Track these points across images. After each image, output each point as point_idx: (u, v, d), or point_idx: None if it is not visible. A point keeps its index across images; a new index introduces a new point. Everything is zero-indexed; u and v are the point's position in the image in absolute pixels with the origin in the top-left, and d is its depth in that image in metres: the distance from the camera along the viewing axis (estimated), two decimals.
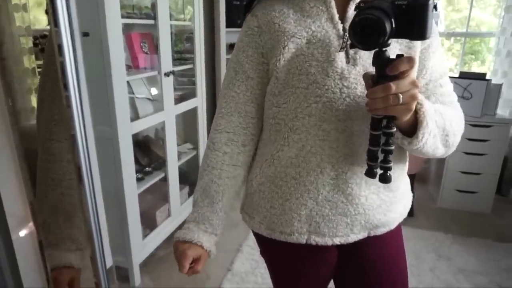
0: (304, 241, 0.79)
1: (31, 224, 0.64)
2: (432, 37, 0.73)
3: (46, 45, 0.83)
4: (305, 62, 0.71)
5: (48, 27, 0.90)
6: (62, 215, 0.82)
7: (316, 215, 0.77)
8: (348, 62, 0.71)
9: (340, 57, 0.71)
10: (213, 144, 0.82)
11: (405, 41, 0.73)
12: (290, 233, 0.79)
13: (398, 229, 0.87)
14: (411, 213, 2.48)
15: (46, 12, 0.93)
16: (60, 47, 0.51)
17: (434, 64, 0.76)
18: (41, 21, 1.42)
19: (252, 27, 0.78)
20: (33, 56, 1.36)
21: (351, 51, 0.71)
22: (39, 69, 1.33)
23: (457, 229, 2.47)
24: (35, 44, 1.40)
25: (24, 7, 1.33)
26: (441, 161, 2.72)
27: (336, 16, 0.72)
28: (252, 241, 2.27)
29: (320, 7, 0.73)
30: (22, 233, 0.60)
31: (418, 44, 0.73)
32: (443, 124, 0.72)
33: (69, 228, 0.83)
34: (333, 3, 0.72)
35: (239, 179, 0.84)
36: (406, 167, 0.84)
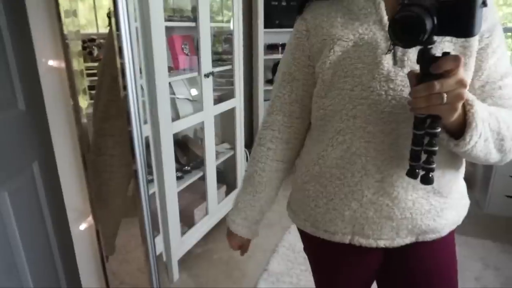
0: (348, 241, 0.79)
1: (90, 218, 0.68)
2: (491, 36, 0.70)
3: (105, 48, 0.88)
4: (351, 65, 0.71)
5: (95, 31, 0.96)
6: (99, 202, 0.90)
7: (360, 217, 0.76)
8: (395, 64, 0.69)
9: (387, 59, 0.69)
10: (260, 140, 0.89)
11: (460, 41, 0.69)
12: (334, 232, 0.80)
13: (450, 236, 0.83)
14: None
15: (108, 16, 0.99)
16: (120, 50, 0.54)
17: (493, 65, 0.71)
18: (89, 26, 1.49)
19: (301, 31, 0.79)
20: (81, 59, 1.45)
21: (399, 53, 0.69)
22: (87, 71, 1.42)
23: (506, 237, 2.33)
24: (83, 48, 1.49)
25: (74, 13, 1.41)
26: (489, 165, 2.57)
27: (385, 18, 0.70)
28: (287, 242, 2.27)
29: (369, 9, 0.71)
30: (82, 226, 0.65)
31: (475, 43, 0.69)
32: (497, 128, 0.67)
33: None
34: (382, 5, 0.71)
35: (282, 173, 0.90)
36: (460, 172, 0.80)
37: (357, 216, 0.76)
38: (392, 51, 0.69)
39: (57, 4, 0.81)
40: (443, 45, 0.68)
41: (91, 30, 1.49)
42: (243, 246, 0.98)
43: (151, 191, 1.82)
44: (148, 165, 1.78)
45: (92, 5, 1.40)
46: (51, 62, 0.83)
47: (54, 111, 0.96)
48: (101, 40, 1.44)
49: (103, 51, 1.19)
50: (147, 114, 1.70)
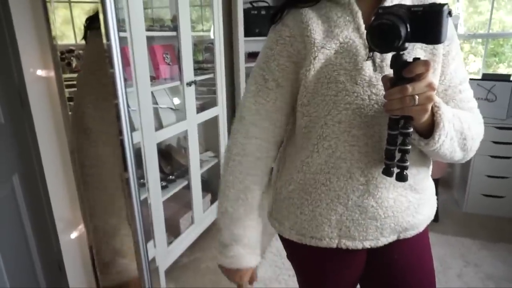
0: (335, 246, 0.80)
1: (81, 227, 0.67)
2: (451, 44, 0.76)
3: (86, 58, 0.88)
4: (334, 71, 0.73)
5: (73, 42, 0.96)
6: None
7: (346, 220, 0.78)
8: (375, 70, 0.72)
9: (368, 65, 0.72)
10: (244, 150, 0.82)
11: (429, 48, 0.74)
12: (321, 238, 0.80)
13: (425, 232, 0.87)
14: (436, 219, 2.43)
15: (85, 26, 1.00)
16: (110, 59, 0.55)
17: (453, 70, 0.77)
18: (63, 37, 1.48)
19: (284, 37, 0.78)
20: (60, 70, 1.43)
21: (378, 59, 0.72)
22: (65, 82, 1.40)
23: (484, 234, 2.41)
24: (61, 59, 1.48)
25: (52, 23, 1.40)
26: (466, 165, 2.66)
27: (362, 26, 0.73)
28: (275, 248, 2.27)
29: (347, 17, 0.74)
30: (73, 235, 0.64)
31: (440, 50, 0.75)
32: (461, 128, 0.73)
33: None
34: (359, 14, 0.74)
35: (265, 184, 0.85)
36: (430, 170, 0.85)
37: (343, 219, 0.78)
38: (371, 58, 0.72)
39: (46, 12, 0.80)
40: (416, 52, 0.73)
41: (66, 41, 1.48)
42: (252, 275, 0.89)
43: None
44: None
45: (63, 17, 1.39)
46: (39, 72, 0.83)
47: (41, 121, 0.95)
48: (80, 51, 1.43)
49: (82, 62, 1.18)
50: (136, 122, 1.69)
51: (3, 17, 1.11)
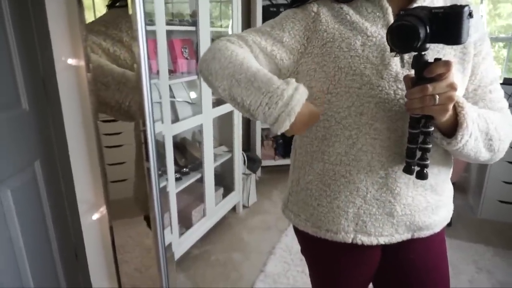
0: (350, 240, 0.80)
1: (102, 209, 0.70)
2: (482, 44, 0.76)
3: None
4: (360, 64, 0.73)
5: None
6: None
7: (363, 214, 0.78)
8: (403, 66, 0.73)
9: (395, 61, 0.73)
10: (232, 43, 0.74)
11: (459, 47, 0.74)
12: (337, 231, 0.81)
13: (441, 234, 0.87)
14: (449, 223, 2.40)
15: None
16: (137, 52, 0.57)
17: (484, 70, 0.77)
18: None
19: (310, 10, 0.78)
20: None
21: (406, 56, 0.72)
22: None
23: (498, 241, 2.36)
24: None
25: None
26: (482, 170, 2.61)
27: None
28: (284, 244, 2.29)
29: (377, 13, 0.75)
30: (95, 216, 0.66)
31: (471, 50, 0.75)
32: (486, 129, 0.73)
33: None
34: (389, 10, 0.74)
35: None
36: (451, 172, 0.85)
37: (360, 213, 0.78)
38: (400, 54, 0.72)
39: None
40: (445, 51, 0.74)
41: None
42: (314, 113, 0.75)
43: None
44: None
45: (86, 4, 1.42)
46: (70, 60, 0.85)
47: (69, 108, 0.98)
48: None
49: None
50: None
51: (30, 4, 1.14)
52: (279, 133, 0.70)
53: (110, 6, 1.09)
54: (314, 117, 0.75)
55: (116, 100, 0.89)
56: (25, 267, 1.18)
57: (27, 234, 1.17)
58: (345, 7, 0.77)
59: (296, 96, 0.68)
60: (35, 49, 1.20)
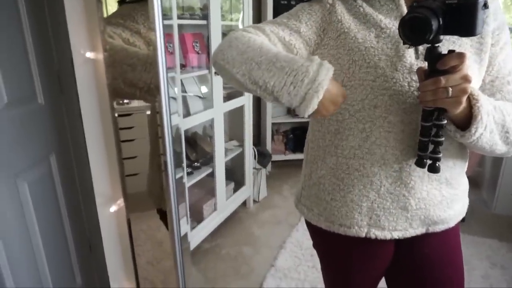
0: (364, 235, 0.80)
1: (120, 201, 0.71)
2: (500, 33, 0.74)
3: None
4: (375, 56, 0.72)
5: None
6: None
7: (377, 208, 0.78)
8: (417, 57, 0.72)
9: (410, 52, 0.72)
10: (244, 36, 0.71)
11: (476, 37, 0.73)
12: (350, 225, 0.80)
13: (456, 228, 0.86)
14: (462, 218, 2.37)
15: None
16: (154, 46, 0.57)
17: (502, 61, 0.75)
18: None
19: (325, 2, 0.78)
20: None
21: (421, 47, 0.71)
22: None
23: None
24: None
25: None
26: (496, 165, 2.57)
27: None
28: (295, 239, 2.29)
29: (391, 6, 0.74)
30: (112, 208, 0.67)
31: (489, 40, 0.73)
32: (502, 121, 0.71)
33: None
34: (402, 2, 0.73)
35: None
36: (466, 165, 0.83)
37: (374, 207, 0.78)
38: (414, 46, 0.71)
39: None
40: (461, 41, 0.72)
41: None
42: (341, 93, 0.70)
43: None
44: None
45: None
46: (88, 54, 0.86)
47: (87, 101, 0.99)
48: None
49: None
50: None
51: (46, 0, 1.15)
52: (306, 115, 0.65)
53: (121, 2, 1.10)
54: (342, 95, 0.69)
55: (144, 81, 0.90)
56: (42, 259, 1.20)
57: (43, 226, 1.20)
58: (359, 0, 0.76)
59: (323, 71, 0.64)
60: (50, 44, 1.21)
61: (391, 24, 0.73)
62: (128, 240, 0.76)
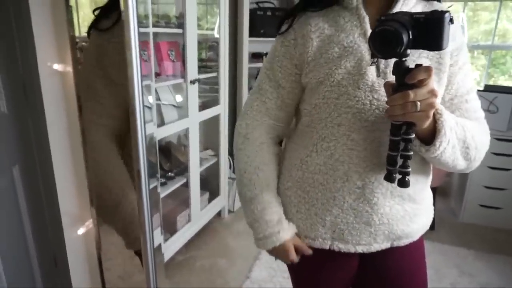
0: (328, 247, 0.82)
1: (88, 223, 0.67)
2: (459, 54, 0.76)
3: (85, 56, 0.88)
4: (338, 75, 0.73)
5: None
6: None
7: (340, 222, 0.79)
8: (378, 75, 0.73)
9: (371, 70, 0.73)
10: (247, 139, 0.86)
11: (435, 57, 0.74)
12: (314, 238, 0.82)
13: (420, 241, 0.88)
14: (432, 227, 2.43)
15: (94, 13, 1.02)
16: (129, 54, 0.55)
17: (460, 80, 0.78)
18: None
19: (289, 39, 0.80)
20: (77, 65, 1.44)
21: (382, 65, 0.73)
22: None
23: (480, 245, 2.42)
24: None
25: None
26: (464, 175, 2.67)
27: (369, 31, 0.73)
28: None
29: (354, 22, 0.75)
30: (80, 231, 0.64)
31: (447, 60, 0.75)
32: (463, 137, 0.73)
33: None
34: (366, 19, 0.74)
35: (276, 161, 0.89)
36: (429, 180, 0.86)
37: (337, 221, 0.79)
38: (376, 63, 0.72)
39: (67, 3, 0.79)
40: (421, 60, 0.74)
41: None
42: (298, 245, 0.84)
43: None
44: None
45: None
46: (56, 66, 0.82)
47: (54, 115, 0.94)
48: (83, 43, 1.42)
49: (85, 55, 1.17)
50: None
51: (12, 8, 1.10)
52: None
53: (91, 26, 1.05)
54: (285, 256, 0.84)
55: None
56: (1, 277, 1.13)
57: (3, 240, 1.12)
58: (321, 23, 0.77)
59: (281, 235, 0.82)
60: (15, 53, 1.16)
61: (354, 42, 0.74)
62: (96, 258, 0.73)
